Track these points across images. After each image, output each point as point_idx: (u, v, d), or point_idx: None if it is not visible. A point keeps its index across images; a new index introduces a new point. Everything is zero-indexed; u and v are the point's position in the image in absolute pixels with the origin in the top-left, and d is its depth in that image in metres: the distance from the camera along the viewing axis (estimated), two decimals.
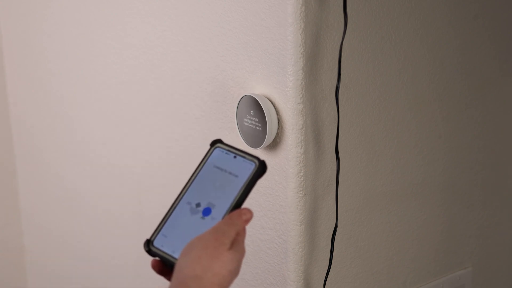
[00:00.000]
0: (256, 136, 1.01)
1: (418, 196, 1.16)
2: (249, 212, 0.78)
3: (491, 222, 1.30)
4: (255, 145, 1.02)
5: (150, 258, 1.34)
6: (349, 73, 1.02)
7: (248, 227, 1.09)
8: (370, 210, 1.10)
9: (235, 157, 0.82)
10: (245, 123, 1.03)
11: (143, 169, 1.32)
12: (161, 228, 0.80)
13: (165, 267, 0.79)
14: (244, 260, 1.12)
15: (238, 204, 0.78)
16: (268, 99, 1.00)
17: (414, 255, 1.18)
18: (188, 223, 0.79)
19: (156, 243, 0.79)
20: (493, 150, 1.27)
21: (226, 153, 0.82)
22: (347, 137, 1.04)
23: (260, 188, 1.05)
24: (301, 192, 1.00)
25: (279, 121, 1.00)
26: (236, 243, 0.76)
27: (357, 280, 1.11)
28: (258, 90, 1.02)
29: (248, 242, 1.10)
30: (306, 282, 1.04)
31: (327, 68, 0.99)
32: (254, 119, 1.01)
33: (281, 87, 0.98)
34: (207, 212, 0.79)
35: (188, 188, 0.82)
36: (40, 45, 1.54)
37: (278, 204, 1.03)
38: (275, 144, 1.01)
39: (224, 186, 0.80)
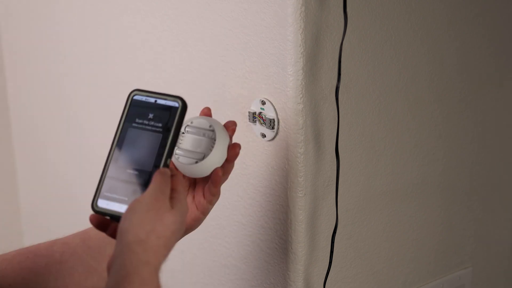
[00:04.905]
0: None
1: (418, 196, 1.16)
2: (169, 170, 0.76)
3: (491, 222, 1.30)
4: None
5: None
6: (349, 73, 1.01)
7: (248, 227, 1.10)
8: (370, 210, 1.10)
9: (155, 101, 0.79)
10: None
11: None
12: (101, 189, 0.79)
13: (106, 221, 0.80)
14: (244, 260, 1.12)
15: (171, 148, 0.76)
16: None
17: (414, 255, 1.18)
18: (124, 178, 0.78)
19: (100, 203, 0.79)
20: (493, 150, 1.27)
21: (145, 99, 0.79)
22: (347, 137, 1.04)
23: (260, 188, 1.05)
24: (301, 192, 1.00)
25: (279, 121, 1.00)
26: (176, 201, 0.76)
27: (357, 280, 1.11)
28: (258, 90, 1.02)
29: (248, 242, 1.10)
30: (306, 282, 1.04)
31: (327, 68, 0.99)
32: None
33: (281, 87, 0.98)
34: (141, 165, 0.77)
35: (115, 144, 0.80)
36: (40, 45, 1.54)
37: (278, 204, 1.03)
38: (275, 144, 1.01)
39: (153, 134, 0.77)
